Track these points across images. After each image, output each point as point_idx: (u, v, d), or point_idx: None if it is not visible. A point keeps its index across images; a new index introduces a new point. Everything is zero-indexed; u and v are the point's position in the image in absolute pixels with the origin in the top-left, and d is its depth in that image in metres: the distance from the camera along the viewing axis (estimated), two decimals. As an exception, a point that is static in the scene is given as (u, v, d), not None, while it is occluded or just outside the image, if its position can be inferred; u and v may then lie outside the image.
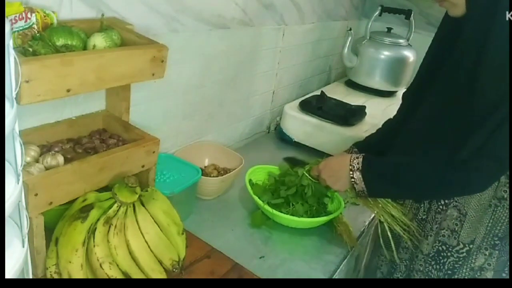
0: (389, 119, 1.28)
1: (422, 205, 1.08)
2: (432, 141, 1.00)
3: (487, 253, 1.00)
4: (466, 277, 1.03)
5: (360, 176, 1.03)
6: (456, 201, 1.01)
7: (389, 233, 1.11)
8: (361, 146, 1.27)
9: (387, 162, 1.04)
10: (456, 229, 1.01)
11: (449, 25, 1.03)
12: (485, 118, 0.87)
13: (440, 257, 1.05)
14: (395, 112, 1.27)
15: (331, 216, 1.21)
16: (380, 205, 1.11)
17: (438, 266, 1.05)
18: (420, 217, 1.09)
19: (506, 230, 0.97)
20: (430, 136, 1.01)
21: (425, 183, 0.98)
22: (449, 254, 1.03)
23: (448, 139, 0.96)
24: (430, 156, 0.97)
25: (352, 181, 1.05)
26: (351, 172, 1.05)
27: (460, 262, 1.02)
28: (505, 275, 1.01)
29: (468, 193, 0.98)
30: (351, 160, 1.06)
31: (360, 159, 1.05)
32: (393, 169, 1.02)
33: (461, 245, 1.02)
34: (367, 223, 1.35)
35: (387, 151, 1.13)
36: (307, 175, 1.20)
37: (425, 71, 1.11)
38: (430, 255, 1.06)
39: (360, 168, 1.04)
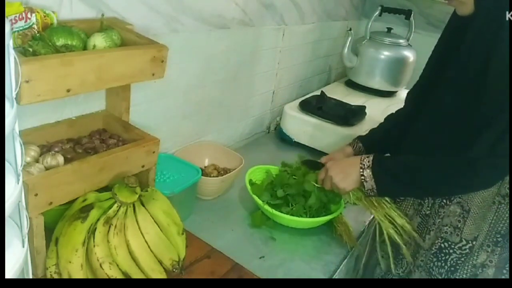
0: (391, 114, 1.28)
1: (426, 200, 1.08)
2: (441, 140, 1.00)
3: (489, 250, 1.01)
4: (468, 274, 1.03)
5: (370, 173, 1.04)
6: (459, 197, 1.01)
7: (387, 242, 1.12)
8: (365, 141, 1.27)
9: (398, 161, 1.05)
10: (459, 226, 1.01)
11: (456, 24, 1.03)
12: (494, 116, 0.88)
13: (442, 254, 1.05)
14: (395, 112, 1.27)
15: (331, 216, 1.21)
16: (384, 212, 1.11)
17: (439, 263, 1.05)
18: (424, 213, 1.09)
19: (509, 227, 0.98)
20: (438, 135, 1.01)
21: (436, 180, 0.98)
22: (451, 251, 1.03)
23: (457, 137, 0.96)
24: (440, 154, 0.98)
25: (362, 179, 1.05)
26: (361, 170, 1.05)
27: (463, 259, 1.03)
28: (505, 271, 1.01)
29: (477, 189, 0.98)
30: (362, 159, 1.07)
31: (371, 158, 1.06)
32: (404, 167, 1.02)
33: (464, 242, 1.02)
34: (367, 223, 1.35)
35: (392, 148, 1.14)
36: (311, 182, 1.20)
37: (431, 70, 1.11)
38: (432, 252, 1.06)
39: (371, 165, 1.04)
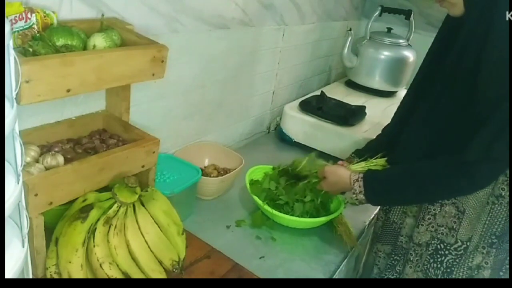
0: (388, 124, 1.28)
1: None
2: (434, 142, 1.00)
3: (484, 251, 1.01)
4: (463, 276, 1.03)
5: (364, 198, 1.06)
6: (454, 198, 1.01)
7: None
8: (361, 154, 1.27)
9: (389, 178, 1.05)
10: (454, 226, 1.02)
11: (450, 25, 1.04)
12: (487, 118, 0.88)
13: (438, 255, 1.05)
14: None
15: (331, 216, 1.21)
16: None
17: (435, 265, 1.05)
18: (413, 214, 1.10)
19: (504, 228, 0.98)
20: (431, 137, 1.01)
21: (430, 189, 0.99)
22: (447, 252, 1.03)
23: (449, 139, 0.96)
24: (432, 161, 0.97)
25: (357, 202, 1.08)
26: (354, 195, 1.07)
27: (458, 260, 1.03)
28: (502, 274, 1.01)
29: (470, 193, 0.98)
30: (352, 183, 1.07)
31: (361, 182, 1.06)
32: (396, 184, 1.03)
33: (459, 243, 1.02)
34: (367, 223, 1.35)
35: (388, 155, 1.14)
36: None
37: (425, 71, 1.11)
38: (428, 253, 1.06)
39: (363, 191, 1.05)
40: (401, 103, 1.22)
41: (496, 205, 0.97)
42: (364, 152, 1.27)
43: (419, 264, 1.09)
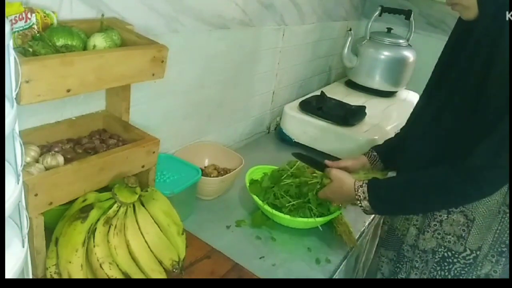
0: (404, 125, 1.27)
1: None
2: (439, 148, 0.99)
3: (493, 260, 1.00)
4: None
5: (368, 204, 1.03)
6: (463, 206, 1.00)
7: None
8: (379, 149, 1.27)
9: (394, 186, 1.03)
10: (463, 235, 1.00)
11: (461, 30, 1.02)
12: (494, 124, 0.86)
13: (446, 263, 1.04)
14: (395, 113, 1.26)
15: (331, 216, 1.21)
16: None
17: (443, 273, 1.04)
18: (414, 223, 1.09)
19: None
20: (437, 143, 1.00)
21: (435, 198, 0.96)
22: (455, 260, 1.02)
23: (456, 146, 0.95)
24: (437, 168, 0.95)
25: (362, 208, 1.05)
26: (358, 202, 1.04)
27: (466, 269, 1.01)
28: None
29: (477, 199, 0.97)
30: (356, 190, 1.05)
31: (365, 188, 1.04)
32: (401, 192, 1.00)
33: (468, 252, 1.01)
34: (367, 223, 1.35)
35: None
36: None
37: (436, 75, 1.10)
38: (435, 260, 1.05)
39: (367, 197, 1.03)
40: (415, 106, 1.21)
41: (508, 214, 0.96)
42: (382, 147, 1.27)
43: (424, 271, 1.08)
